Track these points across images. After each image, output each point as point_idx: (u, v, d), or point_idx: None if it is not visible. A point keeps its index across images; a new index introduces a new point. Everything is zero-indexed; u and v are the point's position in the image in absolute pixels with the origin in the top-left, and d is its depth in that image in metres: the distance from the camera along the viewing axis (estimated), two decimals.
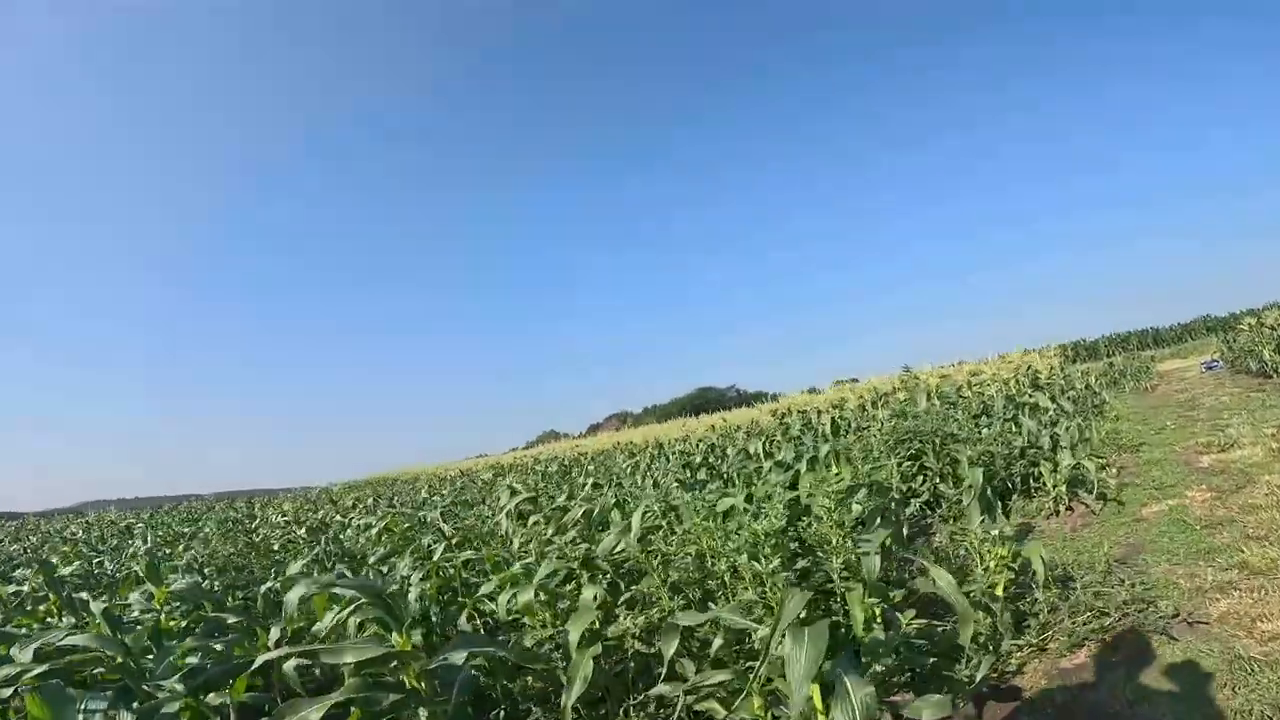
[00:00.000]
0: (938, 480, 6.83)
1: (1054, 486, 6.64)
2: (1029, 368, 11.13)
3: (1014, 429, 8.15)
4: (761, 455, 9.06)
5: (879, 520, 3.72)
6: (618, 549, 4.16)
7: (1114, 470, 8.05)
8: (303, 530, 9.80)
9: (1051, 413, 10.34)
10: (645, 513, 4.55)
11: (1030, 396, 10.31)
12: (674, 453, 12.89)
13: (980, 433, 7.78)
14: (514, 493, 7.72)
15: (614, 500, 5.87)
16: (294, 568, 5.17)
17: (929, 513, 6.57)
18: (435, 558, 4.77)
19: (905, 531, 5.27)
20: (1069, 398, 12.13)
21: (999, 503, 6.76)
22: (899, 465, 6.66)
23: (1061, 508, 6.53)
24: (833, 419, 10.23)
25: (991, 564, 3.64)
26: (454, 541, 5.28)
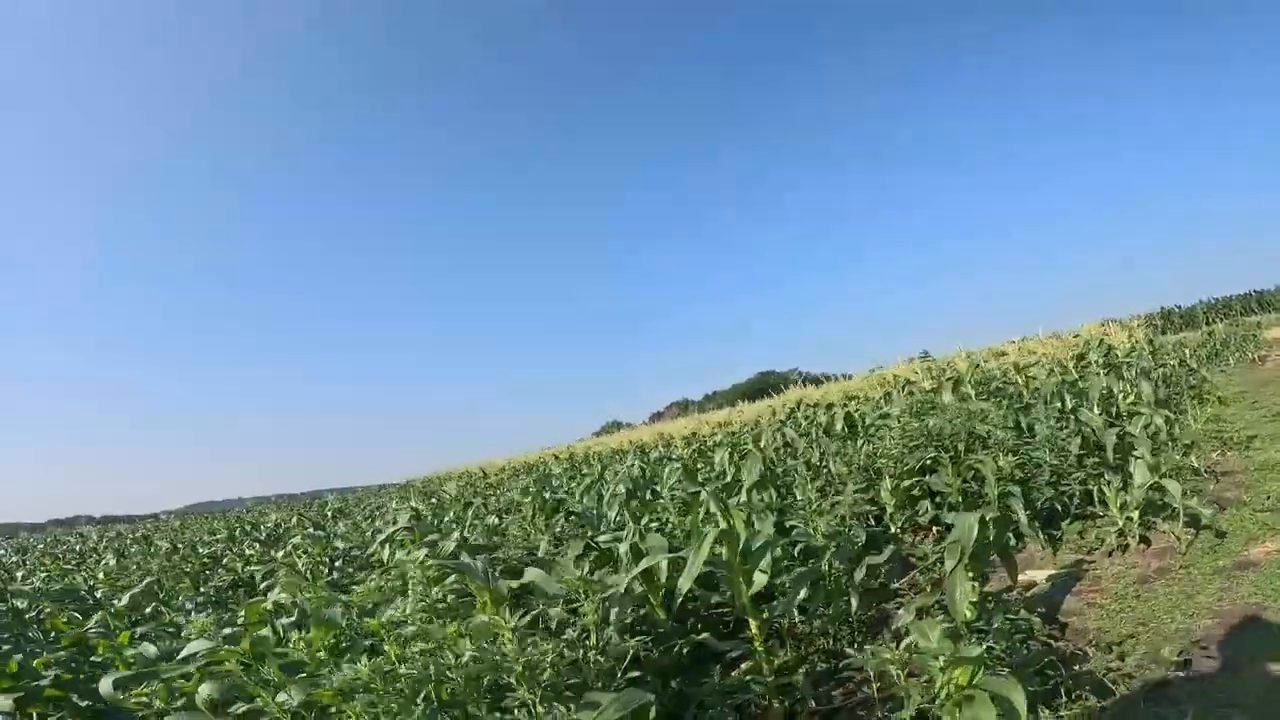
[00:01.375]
0: (945, 509, 5.12)
1: (1121, 510, 4.84)
2: (1100, 343, 9.01)
3: (1072, 426, 6.27)
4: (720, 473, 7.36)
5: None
6: None
7: (1214, 478, 6.10)
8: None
9: (1130, 400, 8.30)
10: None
11: (1099, 379, 8.28)
12: (663, 457, 11.32)
13: (1021, 435, 5.97)
14: (416, 516, 6.47)
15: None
16: None
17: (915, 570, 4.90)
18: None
19: (856, 606, 3.69)
20: (1155, 378, 9.92)
21: (1041, 533, 5.02)
22: (896, 488, 5.00)
23: (1132, 540, 4.74)
24: (847, 414, 8.50)
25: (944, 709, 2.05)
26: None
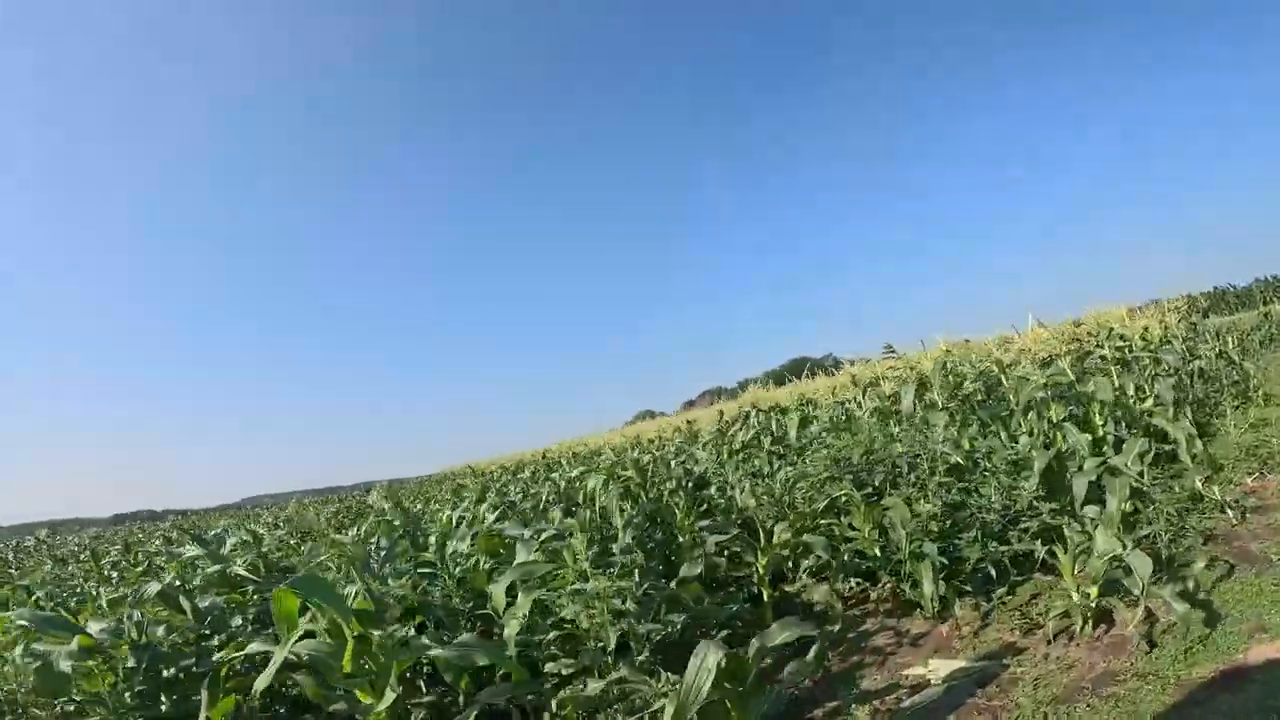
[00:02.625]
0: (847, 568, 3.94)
1: (1075, 582, 3.61)
2: (1109, 332, 7.44)
3: (1039, 450, 4.97)
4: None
5: None
6: None
7: (1240, 514, 4.76)
8: None
9: (1146, 406, 6.86)
10: None
11: (1109, 379, 6.84)
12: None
13: (974, 461, 4.73)
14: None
15: None
16: None
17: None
18: None
19: None
20: (1185, 374, 8.33)
21: (972, 599, 3.84)
22: (769, 547, 3.84)
23: (1084, 623, 3.49)
24: (803, 416, 7.25)
25: None
26: None
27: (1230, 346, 9.01)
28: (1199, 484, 5.39)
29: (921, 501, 3.89)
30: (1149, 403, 6.86)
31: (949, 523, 3.95)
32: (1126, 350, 7.39)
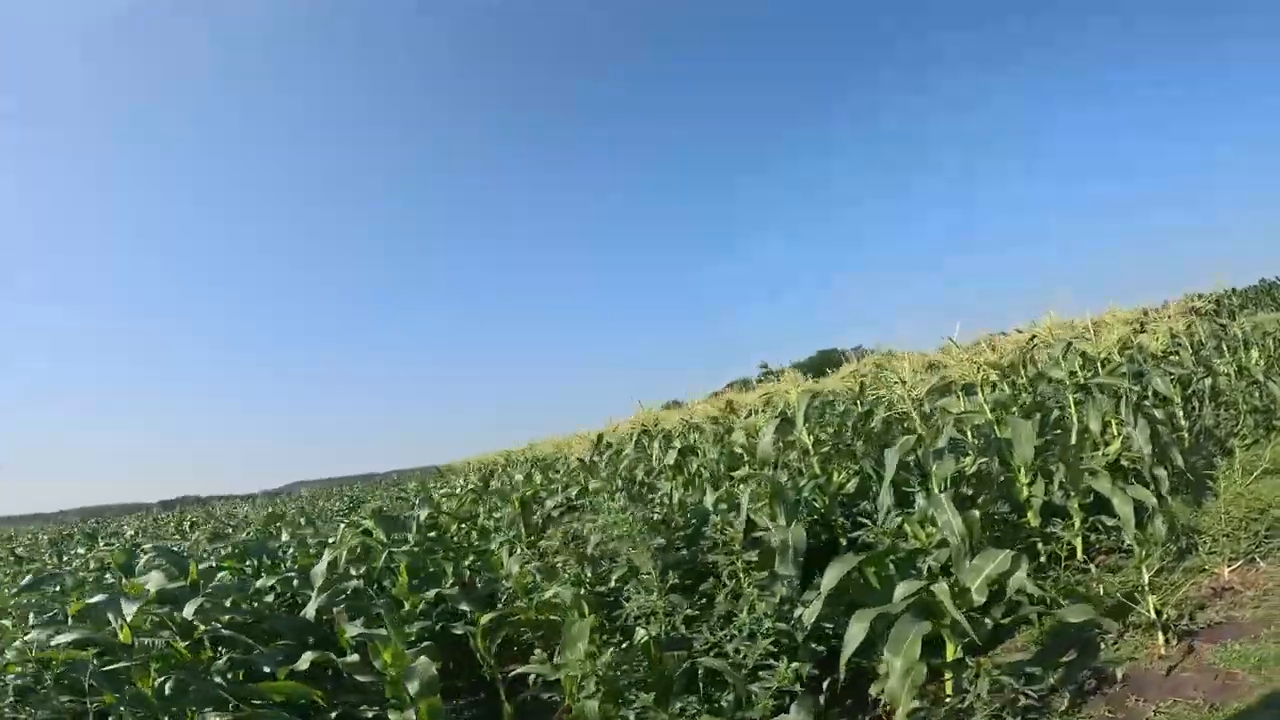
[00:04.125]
0: None
1: None
2: (1069, 346, 5.64)
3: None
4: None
5: None
6: None
7: (1174, 638, 3.25)
8: None
9: (1112, 452, 5.23)
10: None
11: (1072, 410, 5.21)
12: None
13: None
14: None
15: None
16: None
17: None
18: None
19: None
20: (1188, 397, 6.55)
21: None
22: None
23: None
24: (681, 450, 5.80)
25: None
26: None
27: (1255, 360, 7.10)
28: (1145, 578, 3.80)
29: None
30: (1115, 446, 5.16)
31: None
32: (1102, 368, 5.66)
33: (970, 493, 4.54)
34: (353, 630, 3.77)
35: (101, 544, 10.15)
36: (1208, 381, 7.07)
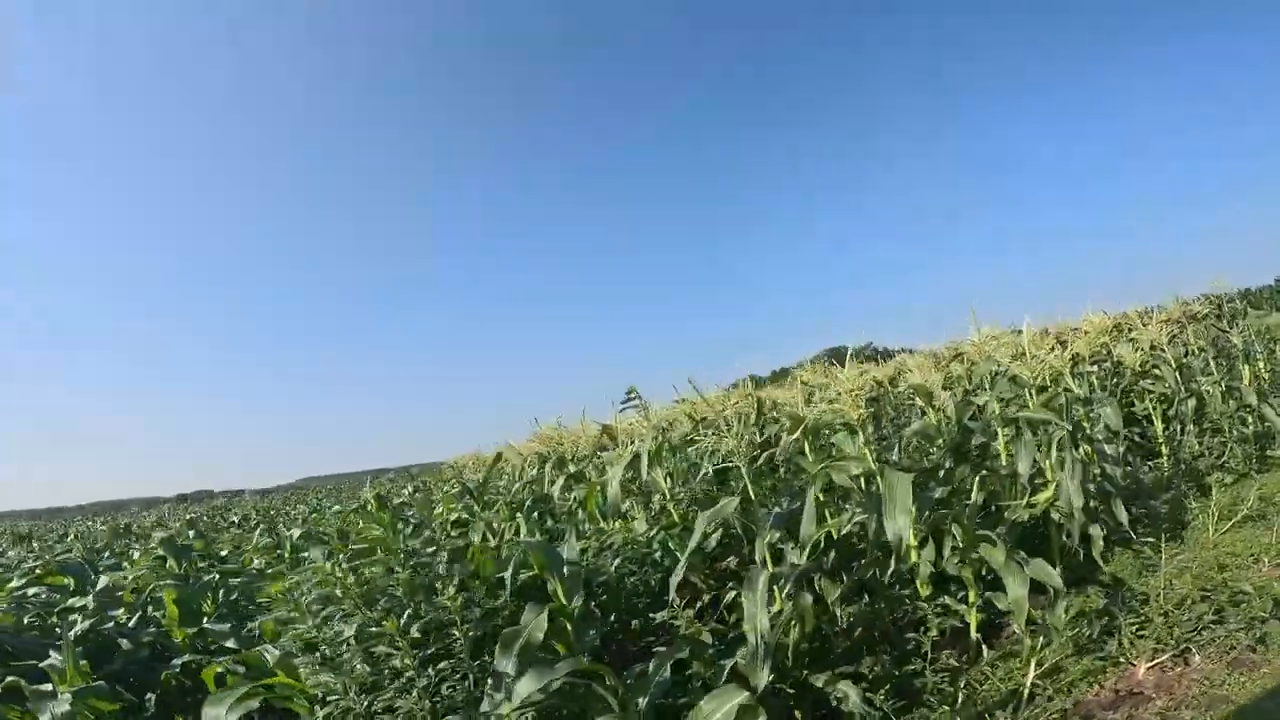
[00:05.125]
0: None
1: None
2: (996, 374, 4.71)
3: None
4: None
5: None
6: None
7: None
8: None
9: (975, 530, 4.42)
10: None
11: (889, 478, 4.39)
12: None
13: None
14: None
15: None
16: None
17: None
18: None
19: None
20: (1126, 437, 5.62)
21: None
22: None
23: None
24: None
25: None
26: None
27: (1248, 378, 6.07)
28: (1029, 679, 3.02)
29: None
30: (1045, 496, 4.31)
31: None
32: (1037, 395, 4.74)
33: (834, 563, 3.76)
34: None
35: None
36: (1191, 403, 6.07)
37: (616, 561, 3.94)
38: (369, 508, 7.61)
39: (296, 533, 6.26)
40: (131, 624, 4.35)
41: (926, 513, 3.80)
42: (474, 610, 3.21)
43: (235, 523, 12.13)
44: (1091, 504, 4.68)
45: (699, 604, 4.00)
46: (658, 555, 4.25)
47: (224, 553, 6.79)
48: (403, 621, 2.98)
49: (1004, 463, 4.57)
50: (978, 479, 4.66)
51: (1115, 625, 3.47)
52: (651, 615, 3.70)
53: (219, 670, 3.43)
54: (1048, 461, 4.48)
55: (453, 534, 5.48)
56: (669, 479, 4.38)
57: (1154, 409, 6.29)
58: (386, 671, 2.88)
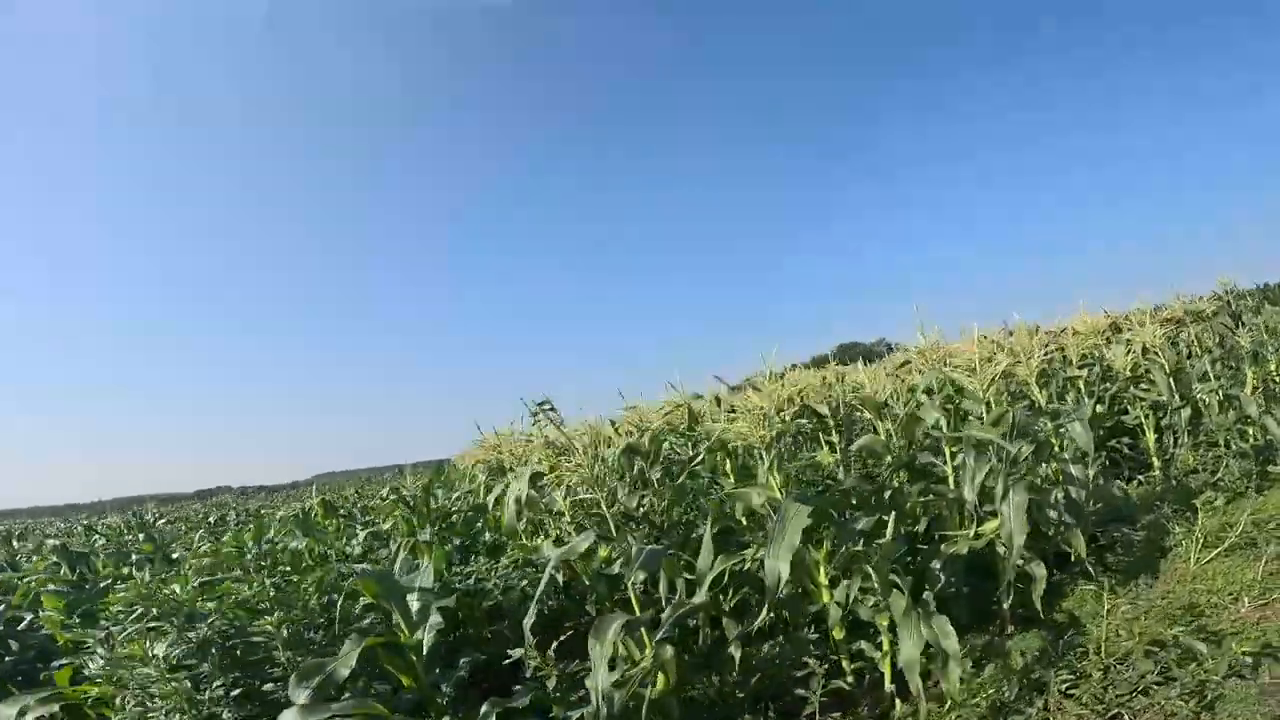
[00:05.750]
0: None
1: None
2: (856, 392, 4.14)
3: None
4: None
5: None
6: None
7: None
8: None
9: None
10: None
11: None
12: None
13: None
14: None
15: None
16: None
17: None
18: None
19: None
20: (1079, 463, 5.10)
21: None
22: None
23: None
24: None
25: None
26: None
27: (1250, 385, 5.48)
28: None
29: None
30: (990, 526, 3.88)
31: None
32: (986, 411, 4.27)
33: (733, 604, 3.39)
34: None
35: None
36: (1185, 413, 5.51)
37: (503, 587, 3.65)
38: (313, 514, 7.45)
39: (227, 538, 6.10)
40: (20, 627, 4.26)
41: (844, 547, 3.41)
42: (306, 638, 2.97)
43: (212, 524, 12.15)
44: (1050, 533, 4.24)
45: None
46: (562, 579, 3.94)
47: (174, 556, 6.69)
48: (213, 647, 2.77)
49: (951, 486, 4.16)
50: (916, 506, 4.25)
51: (1044, 682, 3.05)
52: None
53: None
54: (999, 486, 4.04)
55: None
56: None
57: (1145, 418, 5.74)
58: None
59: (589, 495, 3.23)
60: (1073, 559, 4.35)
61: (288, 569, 3.70)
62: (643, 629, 2.89)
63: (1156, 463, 5.70)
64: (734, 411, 4.46)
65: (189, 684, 2.72)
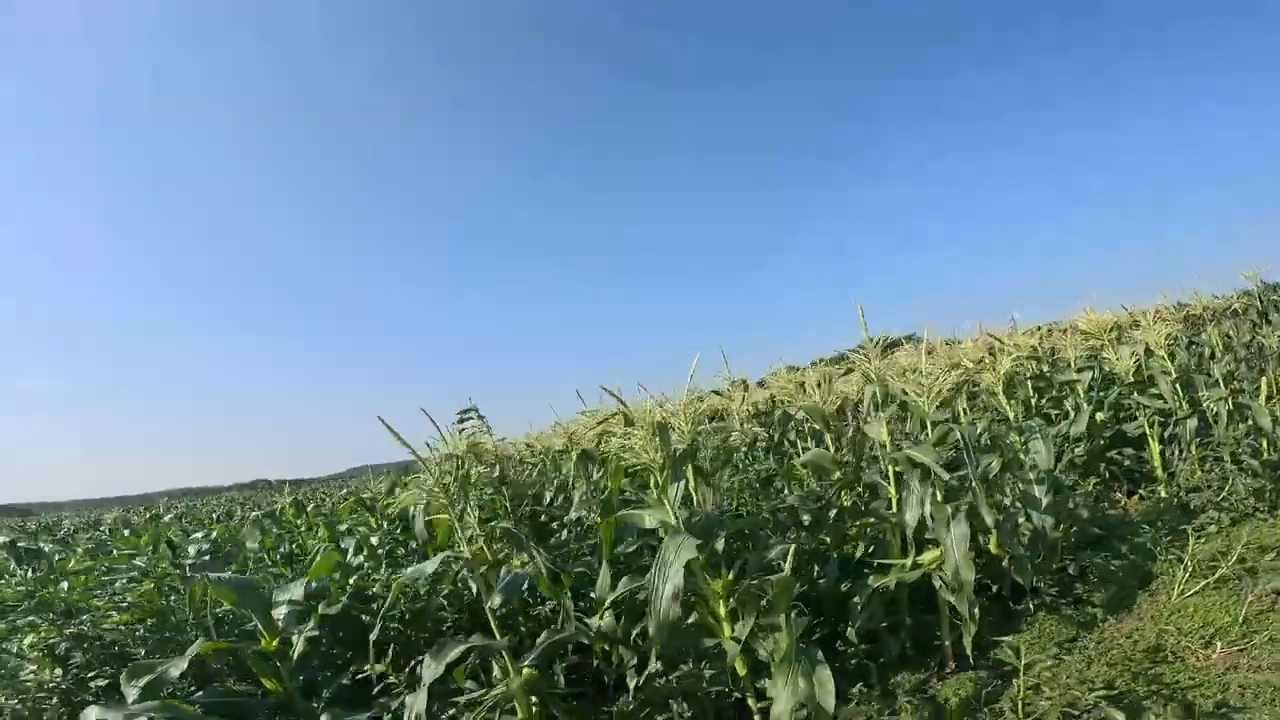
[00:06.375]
0: None
1: None
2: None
3: None
4: None
5: None
6: None
7: None
8: None
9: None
10: None
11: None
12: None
13: None
14: None
15: None
16: None
17: None
18: None
19: None
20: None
21: None
22: None
23: None
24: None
25: None
26: None
27: (1267, 395, 4.90)
28: None
29: None
30: (930, 556, 3.57)
31: None
32: (930, 430, 3.89)
33: (629, 631, 3.17)
34: None
35: None
36: (1191, 423, 4.97)
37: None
38: (282, 514, 7.51)
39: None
40: None
41: (744, 579, 3.15)
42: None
43: (216, 519, 12.54)
44: (1005, 561, 3.87)
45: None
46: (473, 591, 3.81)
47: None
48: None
49: (893, 509, 3.83)
50: (863, 528, 3.96)
51: None
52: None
53: None
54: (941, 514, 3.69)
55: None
56: (481, 510, 3.89)
57: (1150, 428, 5.22)
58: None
59: (441, 516, 3.07)
60: (1035, 586, 3.99)
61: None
62: (504, 654, 2.72)
63: (1161, 477, 5.18)
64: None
65: (60, 673, 2.82)
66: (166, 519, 12.96)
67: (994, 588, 4.05)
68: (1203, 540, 4.24)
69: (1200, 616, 3.60)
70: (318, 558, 3.86)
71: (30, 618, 2.94)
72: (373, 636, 2.69)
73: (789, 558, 3.09)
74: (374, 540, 4.95)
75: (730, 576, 3.15)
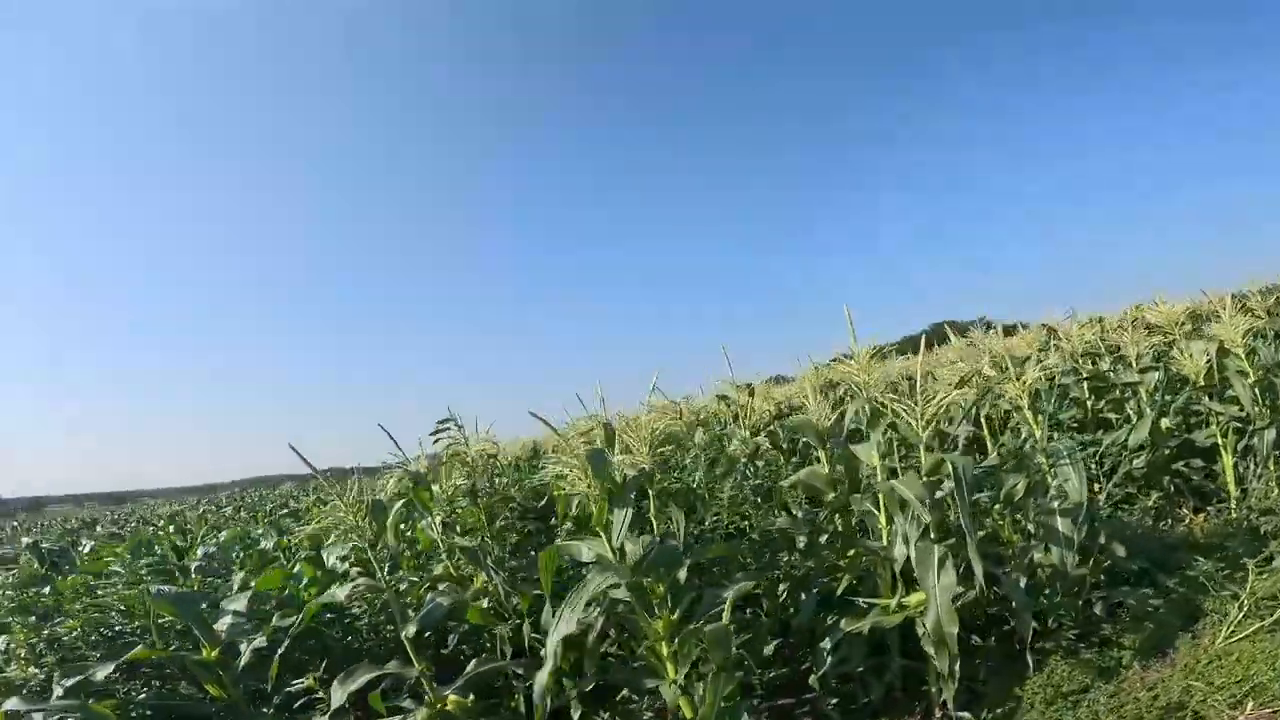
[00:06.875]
0: None
1: None
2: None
3: None
4: None
5: None
6: None
7: None
8: None
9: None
10: None
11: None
12: None
13: None
14: None
15: None
16: None
17: None
18: None
19: None
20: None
21: None
22: None
23: None
24: None
25: None
26: None
27: None
28: None
29: None
30: (916, 599, 3.30)
31: None
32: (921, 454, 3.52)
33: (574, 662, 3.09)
34: None
35: None
36: (1269, 434, 4.28)
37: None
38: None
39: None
40: None
41: (689, 620, 3.00)
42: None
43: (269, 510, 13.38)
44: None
45: None
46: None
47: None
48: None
49: (884, 541, 3.54)
50: (857, 560, 3.70)
51: None
52: None
53: None
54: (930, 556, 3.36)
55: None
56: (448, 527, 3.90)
57: (1222, 437, 4.56)
58: None
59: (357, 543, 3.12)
60: (1051, 627, 3.59)
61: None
62: (425, 681, 2.73)
63: (1233, 493, 4.53)
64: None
65: (35, 671, 3.16)
66: (227, 510, 14.06)
67: (1004, 625, 3.68)
68: (1264, 575, 3.66)
69: (1241, 668, 3.11)
70: (296, 566, 4.05)
71: (9, 619, 3.36)
72: (279, 652, 2.83)
73: (726, 602, 2.92)
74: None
75: (676, 616, 3.00)
